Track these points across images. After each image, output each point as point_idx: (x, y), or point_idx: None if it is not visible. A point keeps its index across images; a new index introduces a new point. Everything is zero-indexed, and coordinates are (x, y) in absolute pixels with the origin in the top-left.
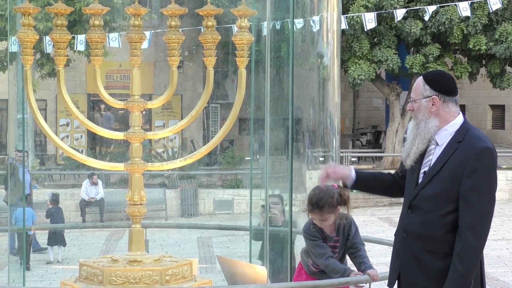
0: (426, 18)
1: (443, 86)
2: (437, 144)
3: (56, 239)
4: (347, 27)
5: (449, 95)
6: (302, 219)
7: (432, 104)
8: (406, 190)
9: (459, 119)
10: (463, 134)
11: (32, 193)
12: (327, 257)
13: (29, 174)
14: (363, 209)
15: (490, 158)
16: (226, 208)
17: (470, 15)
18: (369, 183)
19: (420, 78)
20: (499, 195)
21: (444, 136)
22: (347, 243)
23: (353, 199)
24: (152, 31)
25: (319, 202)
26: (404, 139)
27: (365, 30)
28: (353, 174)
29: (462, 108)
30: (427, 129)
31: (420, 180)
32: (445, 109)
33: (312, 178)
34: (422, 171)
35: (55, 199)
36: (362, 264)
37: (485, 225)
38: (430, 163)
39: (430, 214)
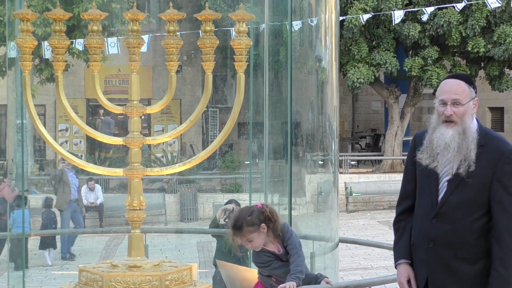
0: (424, 18)
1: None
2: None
3: (48, 242)
4: (346, 25)
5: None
6: None
7: (474, 106)
8: (422, 200)
9: (475, 121)
10: (483, 138)
11: (80, 198)
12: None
13: (77, 179)
14: (362, 212)
15: None
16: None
17: (465, 5)
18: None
19: (459, 80)
20: None
21: None
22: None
23: (352, 203)
24: (151, 35)
25: (237, 222)
26: (403, 142)
27: (363, 23)
28: (408, 264)
29: None
30: (475, 134)
31: (443, 189)
32: None
33: (311, 182)
34: (444, 179)
35: (48, 203)
36: (288, 273)
37: None
38: (452, 171)
39: (460, 221)
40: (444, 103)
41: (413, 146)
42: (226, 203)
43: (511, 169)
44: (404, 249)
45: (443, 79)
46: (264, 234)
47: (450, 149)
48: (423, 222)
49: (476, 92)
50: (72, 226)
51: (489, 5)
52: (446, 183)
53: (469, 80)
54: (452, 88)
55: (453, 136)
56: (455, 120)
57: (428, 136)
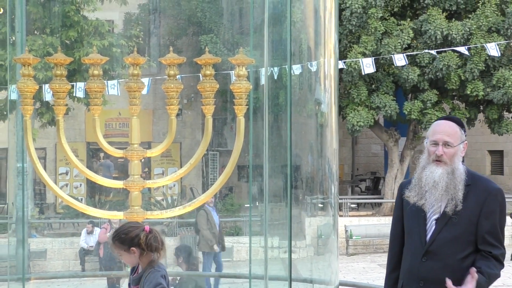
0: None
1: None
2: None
3: None
4: (345, 67)
5: None
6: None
7: (463, 149)
8: (410, 241)
9: (461, 163)
10: (469, 178)
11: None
12: None
13: (217, 216)
14: (363, 255)
15: (503, 198)
16: (226, 256)
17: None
18: None
19: (452, 123)
20: None
21: None
22: None
23: (352, 246)
24: (151, 78)
25: (113, 233)
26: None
27: (363, 73)
28: None
29: None
30: (463, 175)
31: (431, 227)
32: None
33: (311, 225)
34: (432, 218)
35: None
36: None
37: (503, 262)
38: (440, 210)
39: (449, 259)
40: (435, 144)
41: (399, 194)
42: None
43: (497, 206)
44: None
45: (436, 120)
46: (134, 256)
47: (439, 187)
48: (413, 262)
49: (465, 136)
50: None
51: (488, 51)
52: (434, 222)
53: (461, 123)
54: (445, 129)
55: (442, 175)
56: (445, 160)
57: (417, 175)
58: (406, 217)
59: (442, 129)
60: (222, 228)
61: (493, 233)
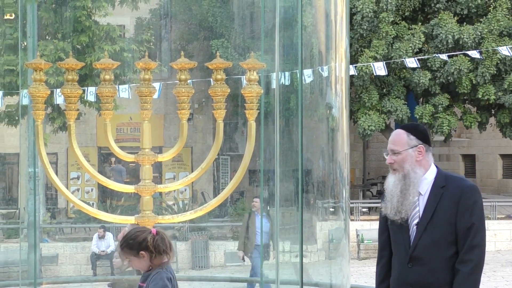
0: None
1: (425, 136)
2: (420, 194)
3: None
4: (356, 73)
5: (429, 145)
6: None
7: (419, 153)
8: (396, 248)
9: (433, 167)
10: (443, 180)
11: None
12: None
13: (268, 223)
14: (374, 259)
15: (478, 194)
16: (237, 260)
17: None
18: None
19: (400, 130)
20: (511, 244)
21: (425, 185)
22: None
23: (363, 250)
24: (162, 83)
25: (121, 240)
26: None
27: (375, 75)
28: None
29: (472, 158)
30: (416, 179)
31: (413, 233)
32: (427, 158)
33: (323, 229)
34: (413, 223)
35: None
36: None
37: (483, 257)
38: (419, 214)
39: (435, 262)
40: (387, 153)
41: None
42: None
43: (473, 201)
44: None
45: None
46: (144, 260)
47: (395, 194)
48: (400, 268)
49: (422, 140)
50: None
51: (500, 51)
52: (415, 227)
53: (411, 130)
54: (392, 138)
55: (395, 182)
56: (396, 167)
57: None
58: (390, 226)
59: (390, 139)
60: (234, 232)
61: (469, 232)
